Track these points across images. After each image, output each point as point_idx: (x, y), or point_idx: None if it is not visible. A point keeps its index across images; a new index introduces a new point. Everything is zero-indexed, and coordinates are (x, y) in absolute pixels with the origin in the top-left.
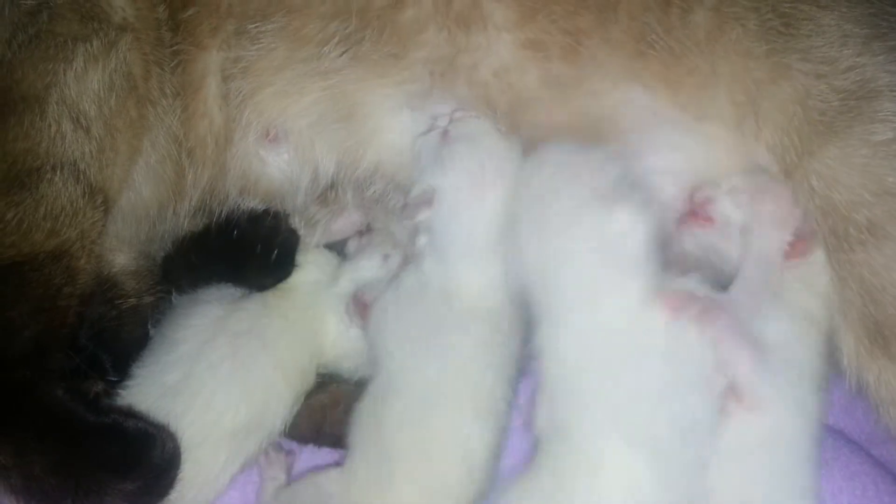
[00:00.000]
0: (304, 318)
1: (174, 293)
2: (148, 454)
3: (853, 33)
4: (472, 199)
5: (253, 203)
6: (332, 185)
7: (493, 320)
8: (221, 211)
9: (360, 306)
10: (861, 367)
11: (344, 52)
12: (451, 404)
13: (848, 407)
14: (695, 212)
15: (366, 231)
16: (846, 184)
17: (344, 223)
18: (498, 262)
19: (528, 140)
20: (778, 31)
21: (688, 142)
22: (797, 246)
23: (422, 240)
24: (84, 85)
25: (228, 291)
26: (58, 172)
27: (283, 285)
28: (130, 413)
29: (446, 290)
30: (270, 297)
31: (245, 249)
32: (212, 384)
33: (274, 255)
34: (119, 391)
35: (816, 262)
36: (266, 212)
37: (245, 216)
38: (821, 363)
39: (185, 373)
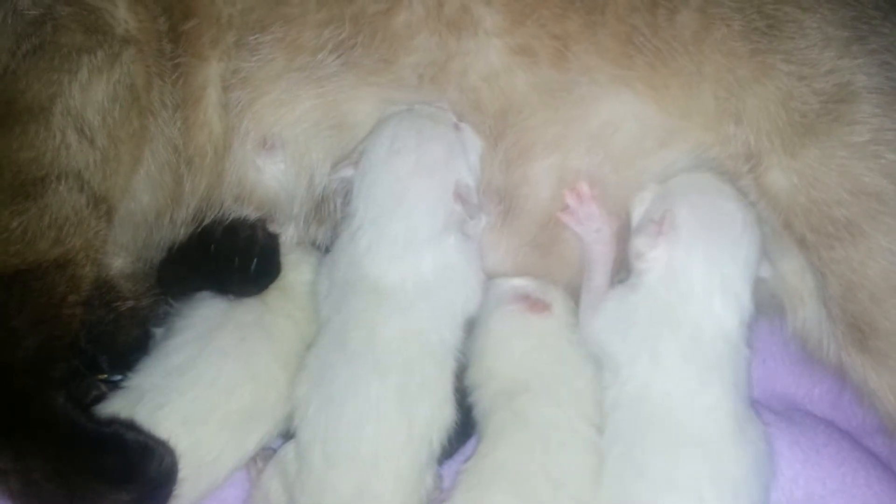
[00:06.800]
0: (308, 317)
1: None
2: (146, 467)
3: (835, 36)
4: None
5: (248, 211)
6: (325, 199)
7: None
8: (217, 219)
9: None
10: (845, 361)
11: (337, 59)
12: None
13: (835, 402)
14: None
15: None
16: (826, 183)
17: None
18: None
19: (518, 145)
20: (762, 32)
21: (672, 141)
22: None
23: None
24: (89, 96)
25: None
26: (62, 182)
27: (281, 286)
28: (131, 425)
29: None
30: (272, 298)
31: (224, 263)
32: (219, 364)
33: (253, 265)
34: (119, 388)
35: None
36: (241, 221)
37: (220, 229)
38: None
39: (191, 355)
